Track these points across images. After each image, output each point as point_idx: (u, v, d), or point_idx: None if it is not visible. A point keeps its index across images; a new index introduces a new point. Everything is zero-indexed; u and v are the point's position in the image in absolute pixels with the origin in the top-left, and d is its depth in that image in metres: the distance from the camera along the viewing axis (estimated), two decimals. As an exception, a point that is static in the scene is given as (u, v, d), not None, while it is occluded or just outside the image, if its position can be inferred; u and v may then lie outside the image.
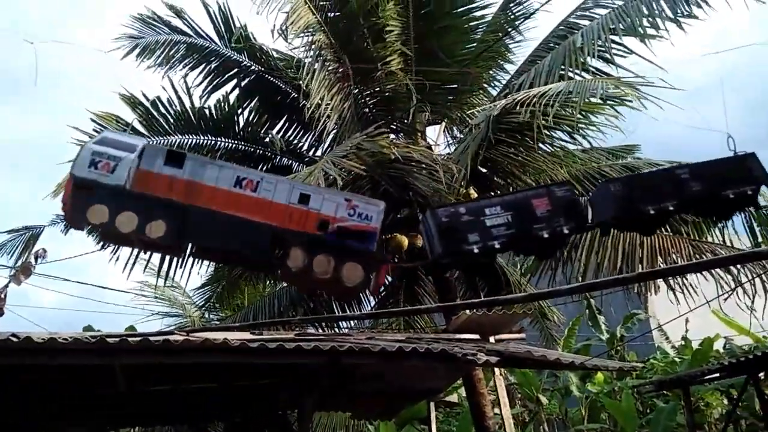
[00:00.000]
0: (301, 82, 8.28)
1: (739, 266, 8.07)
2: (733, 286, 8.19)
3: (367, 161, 7.53)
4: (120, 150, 3.83)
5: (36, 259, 9.96)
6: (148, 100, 9.09)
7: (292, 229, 3.98)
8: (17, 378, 5.84)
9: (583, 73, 8.22)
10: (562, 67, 7.85)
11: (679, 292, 8.77)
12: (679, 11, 7.51)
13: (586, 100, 6.91)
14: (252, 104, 9.97)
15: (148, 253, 6.55)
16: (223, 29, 9.60)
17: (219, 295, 11.97)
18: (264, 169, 9.68)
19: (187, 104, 9.27)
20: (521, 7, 9.98)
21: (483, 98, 10.30)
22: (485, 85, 10.34)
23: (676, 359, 15.11)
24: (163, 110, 9.13)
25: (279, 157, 9.92)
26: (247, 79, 9.83)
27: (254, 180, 3.94)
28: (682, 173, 4.93)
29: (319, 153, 9.99)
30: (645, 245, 8.38)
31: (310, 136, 10.00)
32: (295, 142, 10.23)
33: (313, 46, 8.74)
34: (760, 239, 9.07)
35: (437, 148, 9.87)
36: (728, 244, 8.78)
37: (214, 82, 9.80)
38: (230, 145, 9.70)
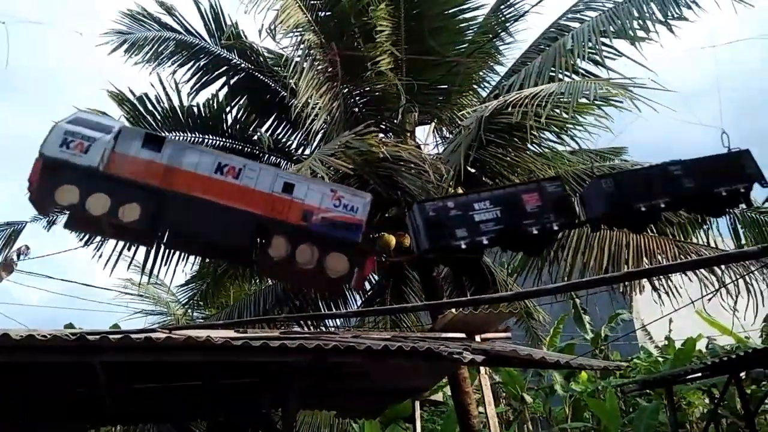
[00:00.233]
0: (290, 80, 8.23)
1: (722, 267, 8.14)
2: (716, 286, 8.28)
3: (356, 160, 7.50)
4: (95, 131, 3.66)
5: (18, 255, 9.80)
6: (135, 96, 8.98)
7: (274, 219, 3.85)
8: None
9: (573, 75, 8.26)
10: (552, 68, 7.88)
11: (663, 292, 8.85)
12: (669, 13, 7.55)
13: (578, 101, 6.91)
14: (241, 102, 9.92)
15: (129, 246, 6.46)
16: (213, 27, 9.55)
17: (204, 293, 11.86)
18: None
19: (176, 101, 9.22)
20: (512, 9, 9.99)
21: (473, 99, 10.33)
22: (475, 86, 10.36)
23: (660, 359, 15.28)
24: (150, 107, 9.06)
25: (267, 156, 9.86)
26: (236, 77, 9.79)
27: (236, 167, 3.81)
28: (674, 170, 4.86)
29: (307, 152, 9.96)
30: (631, 246, 8.44)
31: (299, 135, 9.98)
32: (284, 140, 10.21)
33: (302, 46, 8.67)
34: (743, 241, 9.19)
35: (426, 148, 9.87)
36: (712, 245, 8.87)
37: (203, 80, 9.74)
38: (218, 142, 9.62)
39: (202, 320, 13.08)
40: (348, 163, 7.05)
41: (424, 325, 11.33)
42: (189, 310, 13.38)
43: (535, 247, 4.56)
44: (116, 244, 8.79)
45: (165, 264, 8.07)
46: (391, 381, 7.68)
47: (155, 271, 8.61)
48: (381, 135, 9.30)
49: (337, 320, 11.49)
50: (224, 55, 9.74)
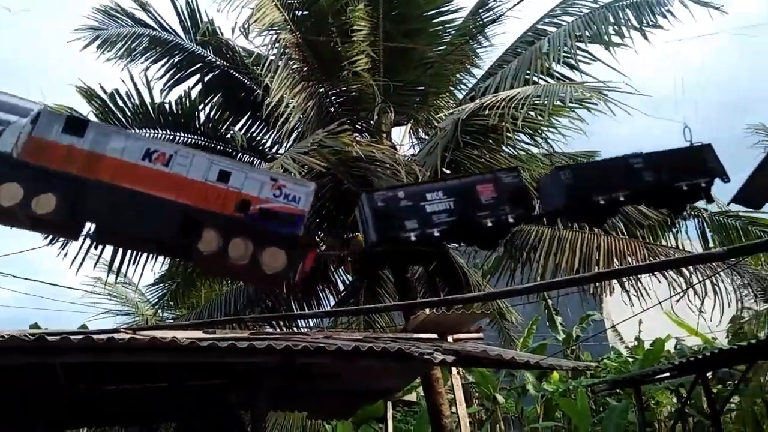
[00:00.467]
0: (265, 79, 8.13)
1: (690, 269, 8.29)
2: (684, 288, 8.43)
3: (330, 159, 7.44)
4: (10, 113, 3.41)
5: (-19, 254, 9.50)
6: (105, 93, 8.80)
7: (207, 210, 3.59)
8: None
9: (549, 78, 8.34)
10: (528, 71, 7.95)
11: (633, 294, 8.98)
12: (644, 20, 7.66)
13: (553, 104, 6.96)
14: (215, 100, 9.80)
15: (96, 245, 6.27)
16: (189, 23, 9.42)
17: (174, 292, 11.64)
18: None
19: (147, 98, 9.05)
20: (491, 12, 10.04)
21: (449, 100, 10.35)
22: (452, 88, 10.39)
23: (629, 359, 15.53)
24: (120, 103, 8.88)
25: (241, 154, 9.73)
26: (210, 75, 9.68)
27: (167, 153, 3.54)
28: (635, 162, 4.62)
29: (282, 151, 9.85)
30: (602, 248, 8.54)
31: (274, 134, 9.85)
32: (258, 138, 10.11)
33: (277, 44, 8.57)
34: (711, 244, 9.38)
35: (402, 149, 9.86)
36: (681, 248, 9.03)
37: (177, 77, 9.60)
38: (190, 140, 9.48)
39: (172, 320, 12.83)
40: (322, 161, 6.99)
41: (398, 326, 11.31)
42: (159, 311, 13.12)
43: (489, 240, 4.38)
44: (82, 242, 8.58)
45: (133, 263, 7.91)
46: (362, 382, 7.64)
47: (123, 270, 8.47)
48: (356, 135, 9.25)
49: (311, 321, 11.40)
50: (199, 52, 9.61)
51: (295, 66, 8.85)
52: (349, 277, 10.25)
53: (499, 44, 10.18)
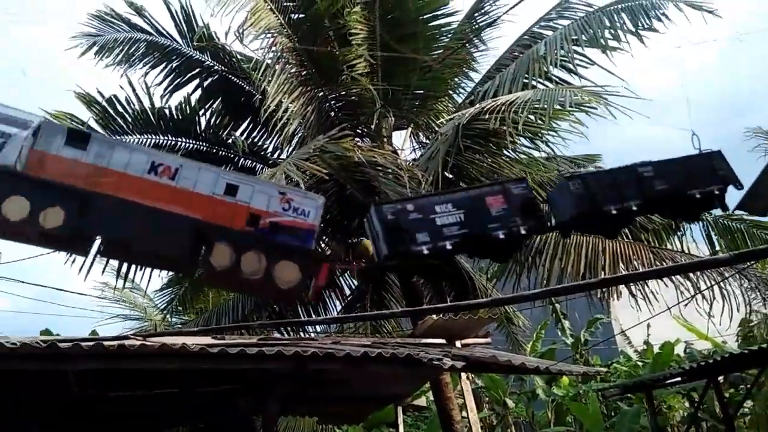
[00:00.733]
0: (263, 83, 8.16)
1: (698, 273, 8.27)
2: (692, 291, 8.41)
3: (332, 164, 7.48)
4: (10, 126, 3.38)
5: (-11, 261, 9.61)
6: (104, 98, 8.82)
7: (216, 224, 3.56)
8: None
9: (546, 82, 8.37)
10: (526, 75, 7.98)
11: (640, 298, 8.97)
12: (639, 24, 7.69)
13: (554, 107, 6.98)
14: (215, 105, 9.77)
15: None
16: (185, 28, 9.39)
17: (181, 297, 11.69)
18: (227, 170, 9.52)
19: (147, 103, 9.02)
20: (487, 16, 10.09)
21: (448, 104, 10.38)
22: (450, 92, 10.41)
23: (639, 363, 15.44)
24: (120, 109, 8.88)
25: (242, 159, 9.77)
26: (209, 79, 9.64)
27: (172, 166, 3.50)
28: (645, 171, 4.55)
29: (284, 156, 9.88)
30: (607, 252, 8.53)
31: (275, 138, 9.88)
32: (260, 143, 10.09)
33: (273, 49, 8.60)
34: (717, 247, 9.35)
35: (403, 153, 9.89)
36: (687, 251, 9.01)
37: (176, 82, 9.56)
38: (191, 145, 9.49)
39: (180, 325, 12.87)
40: (324, 167, 7.03)
41: (405, 331, 11.31)
42: (167, 316, 13.18)
43: (501, 253, 4.31)
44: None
45: (141, 269, 7.97)
46: (372, 387, 7.64)
47: (131, 275, 8.53)
48: (357, 140, 9.31)
49: (317, 326, 11.42)
50: (197, 56, 9.58)
51: (293, 70, 8.87)
52: (355, 282, 10.28)
53: (496, 47, 10.22)
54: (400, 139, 10.19)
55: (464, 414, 9.14)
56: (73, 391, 5.84)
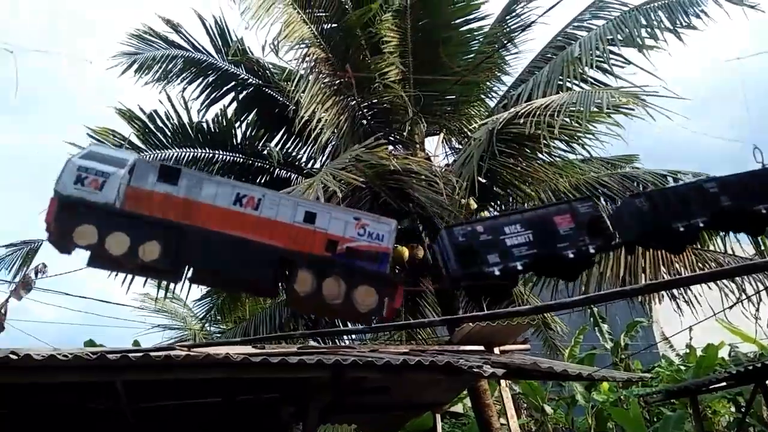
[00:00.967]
0: (297, 94, 8.28)
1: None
2: (736, 294, 8.16)
3: (366, 173, 7.51)
4: (108, 165, 3.56)
5: (36, 273, 9.92)
6: (144, 113, 9.07)
7: (298, 251, 3.67)
8: (15, 395, 5.79)
9: (582, 84, 8.25)
10: (561, 77, 7.88)
11: (682, 301, 8.75)
12: (678, 22, 7.53)
13: (590, 110, 6.87)
14: (250, 117, 9.95)
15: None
16: (219, 43, 9.60)
17: (219, 307, 11.88)
18: (263, 181, 9.66)
19: (185, 118, 9.26)
20: (518, 19, 10.01)
21: (481, 109, 10.32)
22: (483, 96, 10.36)
23: (682, 367, 15.02)
24: (160, 124, 9.11)
25: (277, 170, 9.89)
26: (244, 92, 9.82)
27: (256, 197, 3.65)
28: (710, 187, 4.53)
29: (317, 165, 9.97)
30: (647, 255, 8.34)
31: (309, 148, 9.99)
32: (294, 154, 10.22)
33: (307, 59, 8.72)
34: (763, 247, 9.04)
35: (436, 159, 9.86)
36: (731, 251, 8.74)
37: (212, 96, 9.78)
38: (228, 158, 9.68)
39: (219, 334, 13.09)
40: (359, 176, 7.07)
41: (440, 338, 11.26)
42: (206, 325, 13.42)
43: (570, 272, 4.28)
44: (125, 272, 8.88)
45: (181, 279, 8.14)
46: (410, 395, 7.63)
47: (171, 286, 8.72)
48: (390, 147, 9.33)
49: (352, 334, 11.44)
50: (232, 70, 9.78)
51: (326, 80, 8.99)
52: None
53: (529, 50, 10.12)
54: (433, 145, 10.18)
55: (502, 420, 9.05)
56: (120, 401, 5.98)
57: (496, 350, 7.43)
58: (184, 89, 9.59)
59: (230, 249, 3.59)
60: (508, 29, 10.07)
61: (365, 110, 9.52)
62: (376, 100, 9.36)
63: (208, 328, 13.63)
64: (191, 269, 3.76)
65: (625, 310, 12.94)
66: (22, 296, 9.81)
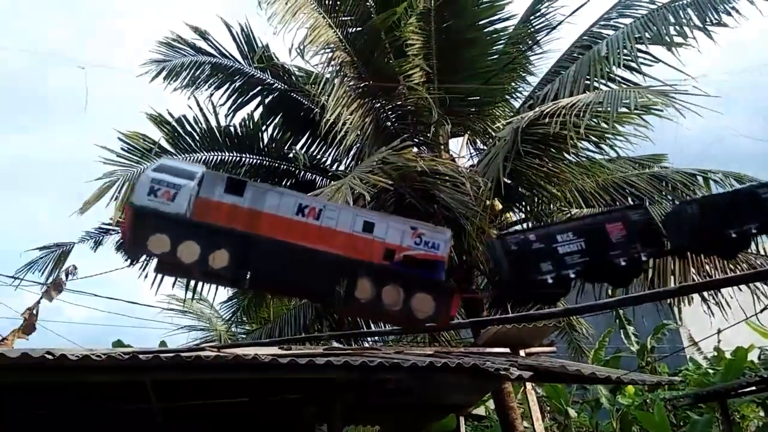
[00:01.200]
0: (321, 97, 8.35)
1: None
2: (768, 294, 7.99)
3: (392, 175, 7.53)
4: (179, 177, 3.72)
5: (67, 275, 10.16)
6: (174, 118, 9.23)
7: (357, 259, 3.75)
8: (46, 395, 5.92)
9: (609, 83, 8.15)
10: (587, 77, 7.81)
11: (712, 303, 8.59)
12: (707, 19, 7.42)
13: (618, 110, 6.80)
14: (276, 121, 10.07)
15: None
16: (246, 48, 9.74)
17: (245, 308, 12.01)
18: (288, 184, 9.76)
19: (213, 122, 9.44)
20: (543, 19, 9.94)
21: (506, 109, 10.27)
22: (507, 97, 10.31)
23: (710, 370, 14.71)
24: (189, 128, 9.28)
25: (303, 173, 9.99)
26: (270, 97, 9.95)
27: (316, 208, 3.75)
28: (763, 192, 4.59)
29: (342, 167, 10.04)
30: (677, 257, 8.20)
31: (333, 151, 10.06)
32: (319, 157, 10.31)
33: (332, 63, 8.79)
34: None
35: (460, 161, 9.85)
36: (763, 252, 8.55)
37: (239, 101, 9.92)
38: (255, 161, 9.81)
39: (244, 335, 13.24)
40: (385, 178, 7.09)
41: (464, 339, 11.22)
42: (231, 326, 13.58)
43: (622, 280, 4.27)
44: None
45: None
46: (435, 397, 7.64)
47: (199, 288, 8.85)
48: (415, 149, 9.34)
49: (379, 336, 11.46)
50: (258, 75, 9.91)
51: (351, 83, 9.04)
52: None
53: (554, 50, 10.05)
54: (457, 146, 10.17)
55: (526, 424, 8.98)
56: (150, 400, 6.09)
57: (522, 352, 7.39)
58: (212, 94, 9.76)
59: (292, 257, 3.68)
60: (532, 29, 10.01)
61: (389, 112, 9.56)
62: (400, 103, 9.40)
63: (234, 330, 13.79)
64: (254, 276, 3.86)
65: (652, 312, 12.70)
66: (53, 297, 10.09)
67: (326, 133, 8.56)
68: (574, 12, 7.33)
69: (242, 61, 9.83)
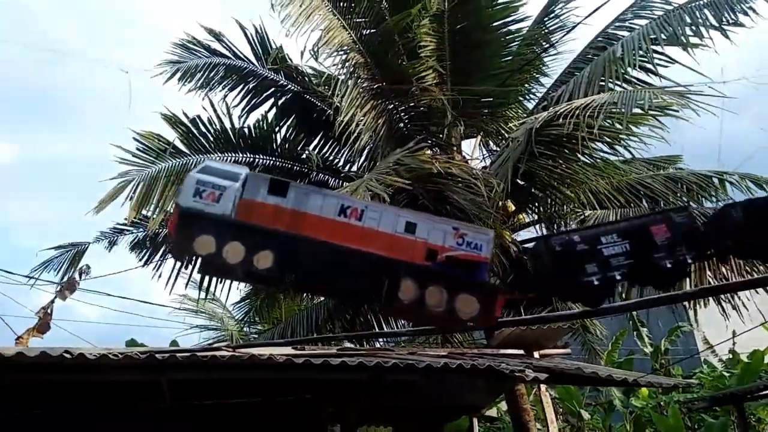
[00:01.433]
0: (335, 99, 8.37)
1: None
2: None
3: (403, 176, 7.54)
4: (223, 179, 3.76)
5: (80, 275, 10.27)
6: (188, 119, 9.29)
7: (400, 260, 3.77)
8: (61, 393, 5.98)
9: (624, 84, 8.09)
10: (602, 78, 7.76)
11: (728, 305, 8.50)
12: (723, 19, 7.34)
13: (632, 111, 6.75)
14: (289, 122, 10.09)
15: (188, 266, 6.69)
16: (260, 50, 9.77)
17: (258, 308, 12.05)
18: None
19: (227, 123, 9.45)
20: (557, 20, 9.90)
21: (519, 111, 10.24)
22: (521, 98, 10.27)
23: (725, 373, 14.58)
24: (203, 129, 9.31)
25: (316, 173, 10.01)
26: (283, 98, 9.97)
27: (359, 208, 3.76)
28: None
29: (354, 168, 10.06)
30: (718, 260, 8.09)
31: (346, 152, 10.08)
32: (331, 158, 10.33)
33: (346, 64, 8.81)
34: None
35: (473, 162, 9.82)
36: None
37: (253, 102, 9.96)
38: (268, 162, 9.83)
39: (256, 335, 13.29)
40: (399, 180, 7.09)
41: (476, 341, 11.19)
42: (244, 326, 13.63)
43: (667, 282, 4.24)
44: (175, 263, 9.09)
45: (220, 281, 8.32)
46: (449, 398, 7.63)
47: (212, 288, 8.91)
48: (428, 150, 9.33)
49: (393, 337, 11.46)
50: (271, 77, 9.94)
51: (364, 85, 9.06)
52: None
53: (568, 51, 9.98)
54: (470, 147, 10.15)
55: (539, 426, 8.95)
56: (165, 399, 6.14)
57: (536, 354, 7.37)
58: (226, 96, 9.80)
59: (335, 258, 3.68)
60: (546, 30, 9.96)
61: (402, 114, 9.57)
62: (413, 104, 9.39)
63: (246, 329, 13.84)
64: (297, 277, 3.88)
65: (667, 314, 12.62)
66: (66, 297, 10.20)
67: (339, 134, 8.57)
68: (590, 14, 7.26)
69: (256, 63, 9.87)
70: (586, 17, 7.64)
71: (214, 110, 9.36)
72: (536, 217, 9.69)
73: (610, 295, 3.91)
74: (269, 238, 3.61)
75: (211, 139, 9.39)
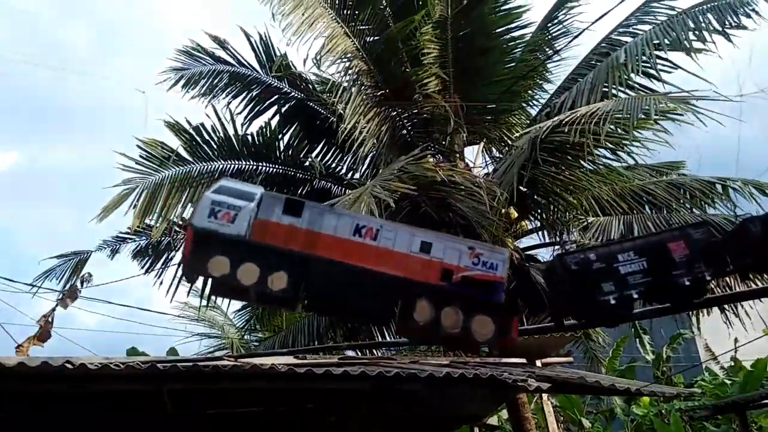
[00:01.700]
0: (338, 106, 8.36)
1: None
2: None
3: (406, 182, 7.52)
4: (239, 199, 3.72)
5: (82, 283, 10.24)
6: (192, 126, 9.28)
7: (415, 280, 3.72)
8: (60, 400, 5.94)
9: (627, 90, 8.09)
10: (605, 84, 7.75)
11: (731, 313, 8.47)
12: (727, 23, 7.34)
13: (637, 117, 6.74)
14: (292, 129, 10.07)
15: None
16: (264, 58, 9.78)
17: (258, 316, 12.00)
18: (304, 192, 9.76)
19: (230, 131, 9.44)
20: (561, 26, 9.90)
21: (522, 117, 10.23)
22: (524, 105, 10.27)
23: (726, 381, 14.52)
24: (207, 137, 9.30)
25: (318, 181, 9.99)
26: (287, 105, 9.96)
27: (374, 228, 3.72)
28: None
29: (357, 176, 10.03)
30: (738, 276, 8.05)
31: (349, 160, 10.06)
32: (334, 165, 10.31)
33: (350, 72, 8.81)
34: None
35: (476, 169, 9.81)
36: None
37: (256, 109, 9.94)
38: (271, 169, 9.81)
39: (256, 343, 13.23)
40: (402, 187, 7.07)
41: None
42: (245, 335, 13.57)
43: (685, 300, 4.16)
44: (176, 271, 9.05)
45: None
46: (451, 407, 7.58)
47: (213, 298, 8.85)
48: (431, 158, 9.31)
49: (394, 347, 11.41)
50: (275, 84, 9.94)
51: (368, 92, 9.05)
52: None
53: (571, 57, 9.99)
54: (473, 154, 10.14)
55: (540, 434, 8.88)
56: (166, 409, 6.09)
57: (538, 363, 7.32)
58: (229, 103, 9.79)
59: (350, 279, 3.63)
60: (550, 37, 9.97)
61: (405, 121, 9.57)
62: (416, 111, 9.39)
63: (246, 338, 13.78)
64: (312, 298, 3.83)
65: (668, 322, 12.57)
66: (68, 305, 10.16)
67: (342, 142, 8.56)
68: (595, 21, 7.25)
69: (260, 70, 9.87)
70: (591, 24, 7.63)
71: (218, 117, 9.37)
72: (539, 224, 9.67)
73: (627, 315, 3.82)
74: (283, 258, 3.57)
75: (215, 146, 9.37)
